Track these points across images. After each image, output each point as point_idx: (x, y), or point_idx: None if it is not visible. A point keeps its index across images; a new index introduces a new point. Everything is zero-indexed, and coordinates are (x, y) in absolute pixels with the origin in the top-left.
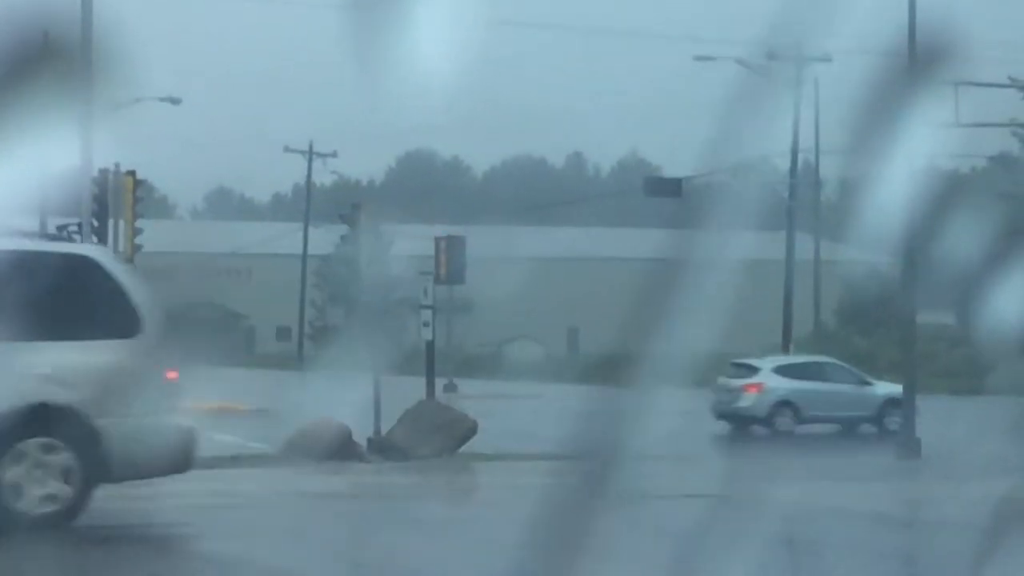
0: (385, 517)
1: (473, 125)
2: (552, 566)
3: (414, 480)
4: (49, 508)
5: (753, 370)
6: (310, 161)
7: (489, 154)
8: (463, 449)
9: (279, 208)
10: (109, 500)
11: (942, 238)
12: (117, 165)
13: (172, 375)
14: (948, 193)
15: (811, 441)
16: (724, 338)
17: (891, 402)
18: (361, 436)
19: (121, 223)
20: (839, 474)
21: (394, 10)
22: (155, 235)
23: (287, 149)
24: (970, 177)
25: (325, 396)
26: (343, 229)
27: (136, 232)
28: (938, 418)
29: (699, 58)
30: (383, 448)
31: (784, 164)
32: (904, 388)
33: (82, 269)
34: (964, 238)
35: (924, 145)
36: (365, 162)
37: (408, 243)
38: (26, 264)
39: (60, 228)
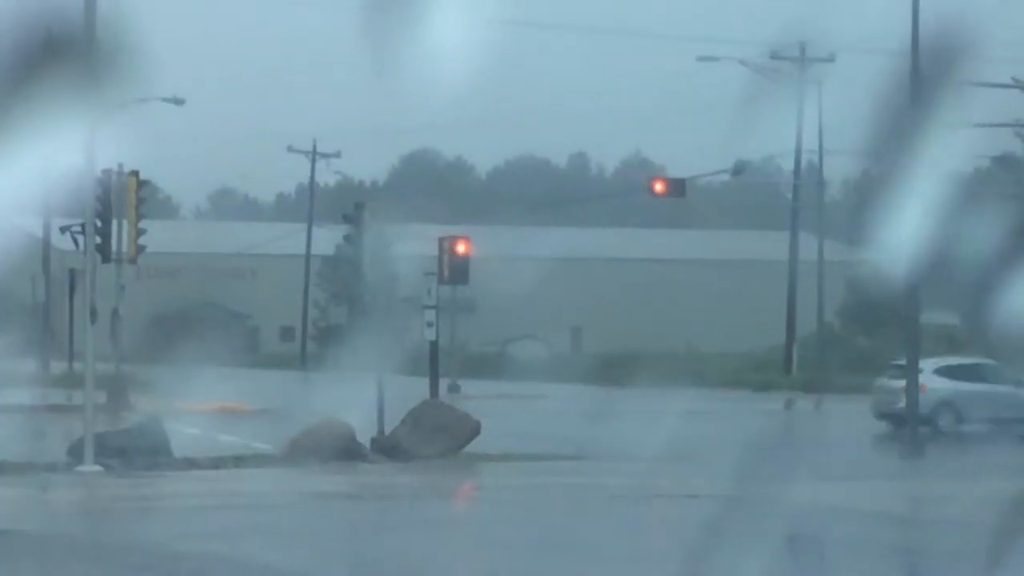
0: (388, 517)
1: (477, 125)
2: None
3: (417, 480)
4: None
5: None
6: (313, 161)
7: (492, 154)
8: (466, 449)
9: (283, 208)
10: (116, 500)
11: (947, 239)
12: (121, 165)
13: None
14: (952, 194)
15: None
16: (728, 338)
17: None
18: (365, 436)
19: (125, 223)
20: None
21: (398, 11)
22: (159, 235)
23: (291, 149)
24: (974, 178)
25: (329, 396)
26: (347, 229)
27: (140, 232)
28: None
29: (702, 58)
30: (386, 448)
31: (788, 164)
32: (908, 387)
33: None
34: (969, 239)
35: (929, 146)
36: (369, 162)
37: (412, 243)
38: None
39: (64, 228)
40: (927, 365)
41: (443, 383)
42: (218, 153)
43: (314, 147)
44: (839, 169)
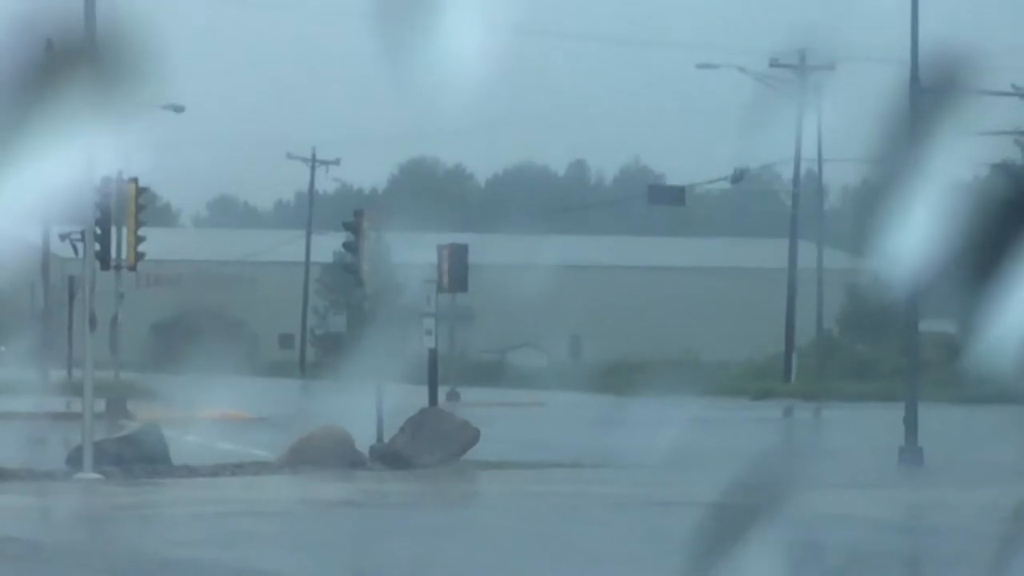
0: (387, 525)
1: (476, 132)
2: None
3: (416, 488)
4: None
5: None
6: (313, 169)
7: (492, 161)
8: (466, 457)
9: (282, 216)
10: (114, 508)
11: (945, 247)
12: (120, 173)
13: None
14: (952, 202)
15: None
16: (727, 346)
17: None
18: (364, 444)
19: (124, 231)
20: None
21: (397, 20)
22: (158, 243)
23: (290, 156)
24: (972, 185)
25: (328, 404)
26: (346, 237)
27: (139, 240)
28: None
29: (702, 66)
30: (385, 456)
31: (787, 172)
32: (906, 396)
33: None
34: (966, 247)
35: (929, 154)
36: (368, 169)
37: (411, 251)
38: None
39: (63, 236)
40: None
41: (442, 391)
42: (218, 160)
43: (313, 155)
44: (838, 177)
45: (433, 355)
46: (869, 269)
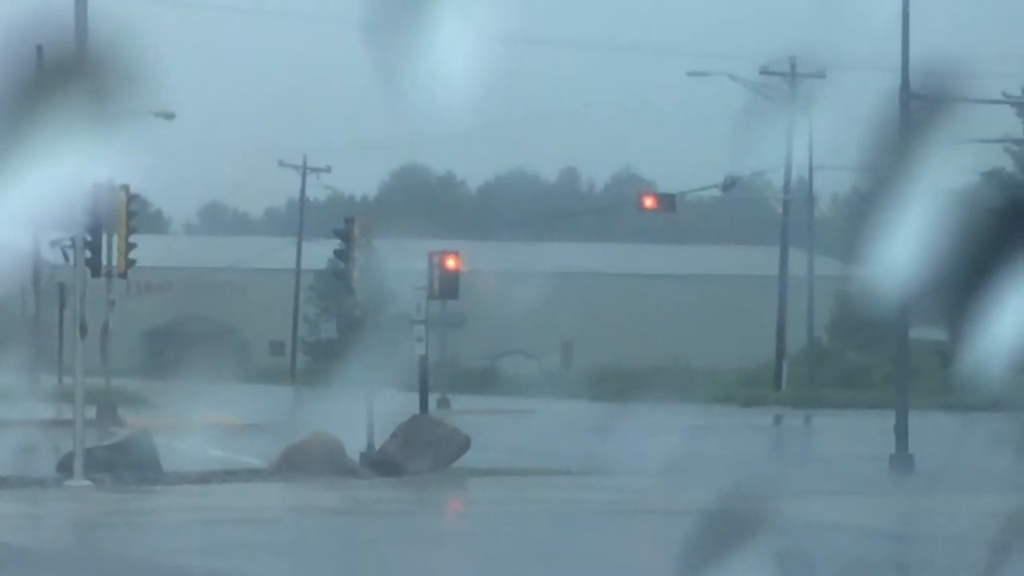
0: (378, 533)
1: (467, 140)
2: None
3: (407, 495)
4: None
5: None
6: (304, 176)
7: (483, 169)
8: (456, 464)
9: (273, 223)
10: (105, 514)
11: (935, 254)
12: (110, 180)
13: None
14: (942, 210)
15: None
16: (717, 353)
17: None
18: (354, 451)
19: (115, 238)
20: None
21: (388, 28)
22: (149, 250)
23: (281, 164)
24: (963, 193)
25: (318, 411)
26: (337, 244)
27: (130, 247)
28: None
29: (693, 73)
30: (376, 463)
31: (778, 179)
32: (896, 403)
33: None
34: (957, 254)
35: (919, 162)
36: (359, 177)
37: (402, 258)
38: None
39: (54, 243)
40: None
41: (433, 398)
42: (209, 168)
43: (304, 162)
44: (829, 185)
45: (424, 362)
46: (860, 277)
